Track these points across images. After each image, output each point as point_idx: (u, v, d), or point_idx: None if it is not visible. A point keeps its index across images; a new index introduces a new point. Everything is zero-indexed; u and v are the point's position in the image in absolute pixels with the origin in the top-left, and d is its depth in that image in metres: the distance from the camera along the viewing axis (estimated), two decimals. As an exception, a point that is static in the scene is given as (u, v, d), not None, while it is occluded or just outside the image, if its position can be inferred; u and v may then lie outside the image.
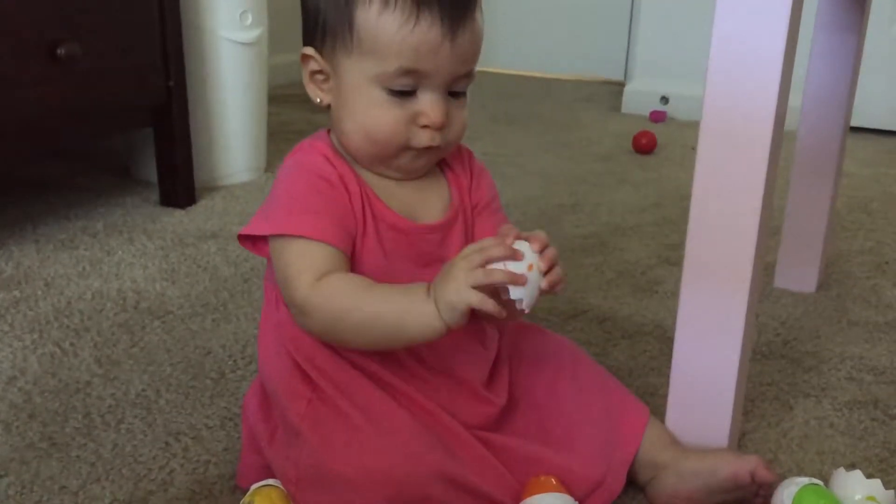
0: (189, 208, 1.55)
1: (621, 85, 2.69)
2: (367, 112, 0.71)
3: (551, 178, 1.81)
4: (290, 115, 2.29)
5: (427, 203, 0.77)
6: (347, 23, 0.70)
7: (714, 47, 0.73)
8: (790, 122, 0.82)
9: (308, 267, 0.69)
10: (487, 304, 0.65)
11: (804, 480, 0.76)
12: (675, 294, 1.20)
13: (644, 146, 2.03)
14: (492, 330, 0.83)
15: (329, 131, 0.77)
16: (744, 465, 0.75)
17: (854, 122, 1.27)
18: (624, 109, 2.51)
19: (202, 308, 1.17)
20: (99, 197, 1.60)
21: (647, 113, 2.43)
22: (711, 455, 0.78)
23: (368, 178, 0.75)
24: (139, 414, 0.92)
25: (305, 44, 0.75)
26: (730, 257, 0.77)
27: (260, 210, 0.75)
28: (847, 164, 1.33)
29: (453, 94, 0.73)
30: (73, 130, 1.41)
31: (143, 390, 0.97)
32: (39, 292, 1.20)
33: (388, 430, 0.69)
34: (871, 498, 0.75)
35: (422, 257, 0.76)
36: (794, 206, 1.25)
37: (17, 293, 1.20)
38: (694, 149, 0.78)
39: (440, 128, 0.72)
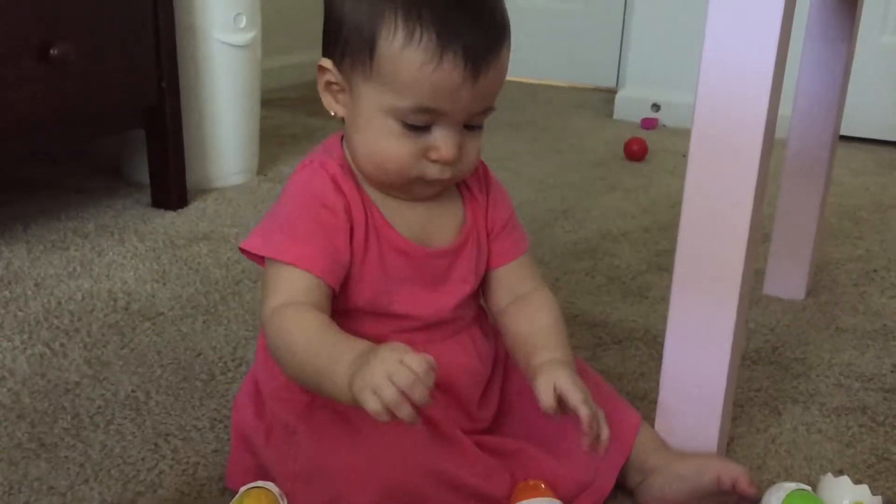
0: (180, 210, 1.55)
1: (613, 92, 2.69)
2: (379, 141, 0.71)
3: (543, 184, 1.81)
4: (282, 118, 2.29)
5: (439, 225, 0.77)
6: (368, 49, 0.69)
7: (705, 55, 0.74)
8: (780, 130, 0.82)
9: (280, 290, 0.70)
10: (381, 416, 0.59)
11: (792, 486, 0.76)
12: (664, 300, 1.21)
13: (635, 153, 2.04)
14: (488, 344, 0.82)
15: (342, 138, 0.77)
16: (728, 472, 0.76)
17: (844, 131, 1.28)
18: (615, 116, 2.51)
19: (193, 310, 1.17)
20: (90, 198, 1.60)
21: (638, 120, 2.43)
22: (699, 459, 0.79)
23: (377, 198, 0.75)
24: (128, 415, 0.92)
25: (324, 53, 0.74)
26: (720, 264, 0.78)
27: (261, 223, 0.75)
28: (836, 173, 1.34)
29: (469, 126, 0.72)
30: (65, 131, 1.41)
31: (133, 391, 0.97)
32: (29, 293, 1.20)
33: (382, 427, 0.69)
34: (858, 503, 0.75)
35: (427, 280, 0.76)
36: (783, 213, 1.26)
37: (6, 293, 1.19)
38: (685, 156, 0.78)
39: (451, 163, 0.71)
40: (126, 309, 1.17)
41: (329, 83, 0.73)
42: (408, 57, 0.67)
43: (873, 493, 0.76)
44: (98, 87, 1.40)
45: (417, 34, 0.67)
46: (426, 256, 0.76)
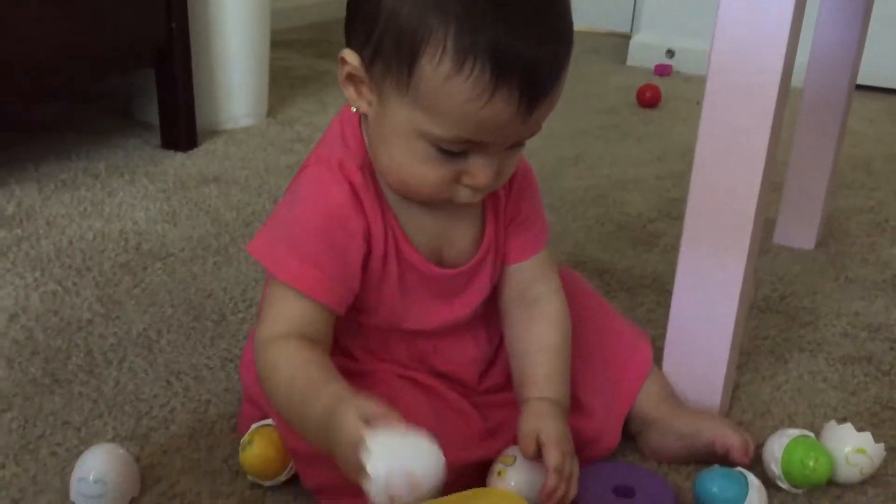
0: (190, 151, 1.55)
1: (627, 37, 2.66)
2: (408, 162, 0.63)
3: (554, 131, 1.80)
4: (292, 60, 2.27)
5: (457, 234, 0.72)
6: (408, 64, 0.59)
7: (722, 1, 0.73)
8: (796, 78, 0.81)
9: (281, 316, 0.66)
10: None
11: (795, 432, 0.77)
12: (674, 248, 1.21)
13: (648, 100, 2.02)
14: (498, 323, 0.79)
15: (360, 122, 0.69)
16: (723, 439, 0.76)
17: (860, 80, 1.26)
18: (629, 62, 2.48)
19: (203, 251, 1.18)
20: (100, 138, 1.59)
21: (652, 66, 2.40)
22: (699, 420, 0.79)
23: (396, 203, 0.69)
24: (141, 353, 0.93)
25: (349, 41, 0.64)
26: (731, 212, 0.78)
27: (270, 221, 0.69)
28: (851, 122, 1.33)
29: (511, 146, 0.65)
30: (74, 70, 1.40)
31: (145, 330, 0.98)
32: (41, 231, 1.21)
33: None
34: (860, 450, 0.76)
35: (442, 294, 0.73)
36: (796, 162, 1.25)
37: (19, 231, 1.20)
38: (699, 104, 0.78)
39: (485, 189, 0.65)
40: (137, 249, 1.17)
41: (352, 75, 0.64)
42: (454, 88, 0.58)
43: (876, 441, 0.77)
44: (107, 26, 1.39)
45: (469, 64, 0.57)
46: (444, 277, 0.72)
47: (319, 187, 0.66)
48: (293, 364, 0.64)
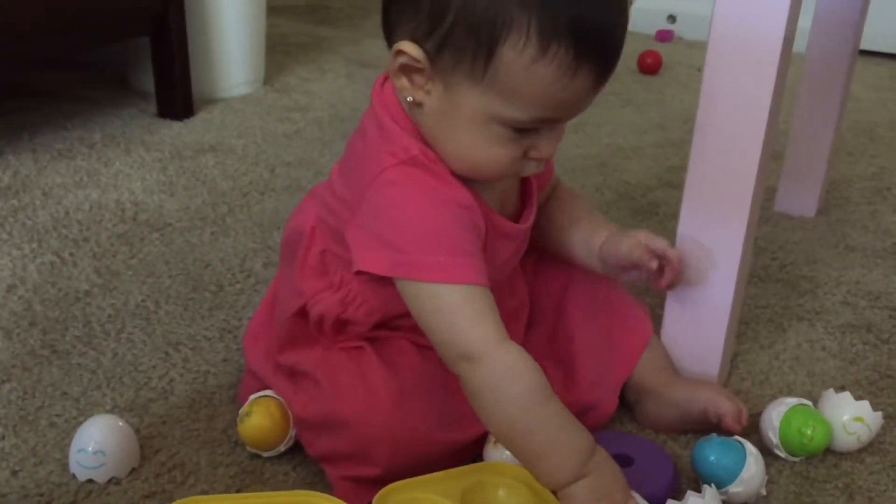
0: (187, 120, 1.54)
1: (628, 2, 2.63)
2: (480, 146, 0.64)
3: (554, 97, 1.79)
4: (289, 27, 2.25)
5: (507, 191, 0.74)
6: (486, 53, 0.60)
7: (725, -37, 0.72)
8: (798, 43, 0.80)
9: (481, 317, 0.63)
10: None
11: (793, 401, 0.77)
12: (674, 216, 1.19)
13: (649, 66, 2.00)
14: (526, 281, 0.81)
15: (403, 106, 0.68)
16: (716, 407, 0.77)
17: (863, 45, 1.25)
18: (629, 28, 2.44)
19: (201, 221, 1.17)
20: (95, 107, 1.58)
21: (653, 32, 2.38)
22: (693, 388, 0.80)
23: (468, 180, 0.69)
24: (139, 324, 0.93)
25: (406, 34, 0.63)
26: (731, 180, 0.77)
27: (374, 236, 0.66)
28: (854, 88, 1.31)
29: None
30: (68, 37, 1.38)
31: (143, 301, 0.97)
32: (37, 202, 1.20)
33: (400, 384, 0.69)
34: (858, 419, 0.76)
35: (513, 250, 0.74)
36: (798, 129, 1.24)
37: (15, 202, 1.19)
38: (700, 70, 0.77)
39: (549, 157, 0.67)
40: (134, 219, 1.17)
41: (406, 66, 0.63)
42: (537, 72, 0.60)
43: (874, 410, 0.77)
44: (101, -7, 1.37)
45: (553, 49, 0.59)
46: (520, 233, 0.74)
47: (421, 183, 0.65)
48: (532, 384, 0.63)
